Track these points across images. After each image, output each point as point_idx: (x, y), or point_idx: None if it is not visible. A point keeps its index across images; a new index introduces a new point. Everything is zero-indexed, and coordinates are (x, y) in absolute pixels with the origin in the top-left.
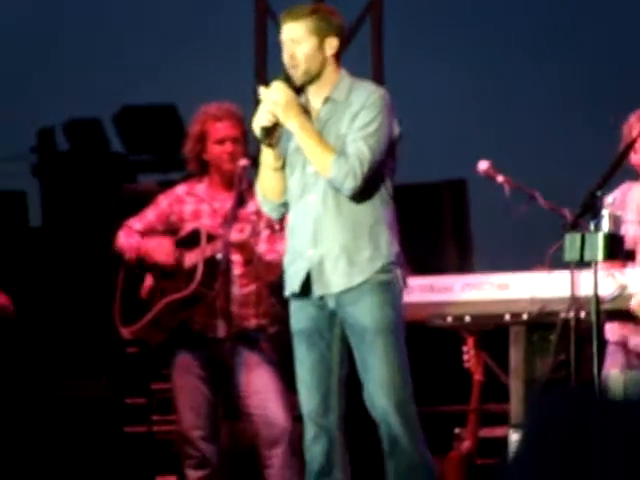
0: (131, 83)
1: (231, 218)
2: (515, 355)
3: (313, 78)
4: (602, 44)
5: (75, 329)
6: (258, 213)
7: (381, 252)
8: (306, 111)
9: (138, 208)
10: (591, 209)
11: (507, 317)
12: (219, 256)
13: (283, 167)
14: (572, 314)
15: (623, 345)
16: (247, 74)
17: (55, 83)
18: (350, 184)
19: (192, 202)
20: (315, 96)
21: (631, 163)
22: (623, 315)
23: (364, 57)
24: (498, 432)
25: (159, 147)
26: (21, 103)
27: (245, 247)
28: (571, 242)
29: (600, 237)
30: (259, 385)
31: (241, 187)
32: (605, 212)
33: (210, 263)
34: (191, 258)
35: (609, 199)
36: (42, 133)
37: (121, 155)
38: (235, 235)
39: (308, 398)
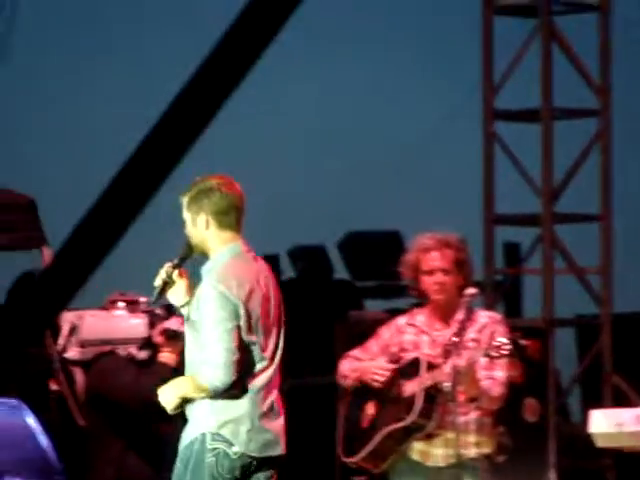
0: (356, 210)
1: (454, 346)
2: None
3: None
4: None
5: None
6: (476, 340)
7: None
8: None
9: (362, 334)
10: None
11: None
12: (445, 385)
13: None
14: None
15: None
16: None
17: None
18: None
19: (412, 332)
20: None
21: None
22: None
23: None
24: None
25: (383, 273)
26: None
27: (464, 374)
28: None
29: None
30: None
31: (466, 315)
32: None
33: (429, 393)
34: (410, 387)
35: None
36: (267, 259)
37: (346, 281)
38: (456, 363)
39: None
